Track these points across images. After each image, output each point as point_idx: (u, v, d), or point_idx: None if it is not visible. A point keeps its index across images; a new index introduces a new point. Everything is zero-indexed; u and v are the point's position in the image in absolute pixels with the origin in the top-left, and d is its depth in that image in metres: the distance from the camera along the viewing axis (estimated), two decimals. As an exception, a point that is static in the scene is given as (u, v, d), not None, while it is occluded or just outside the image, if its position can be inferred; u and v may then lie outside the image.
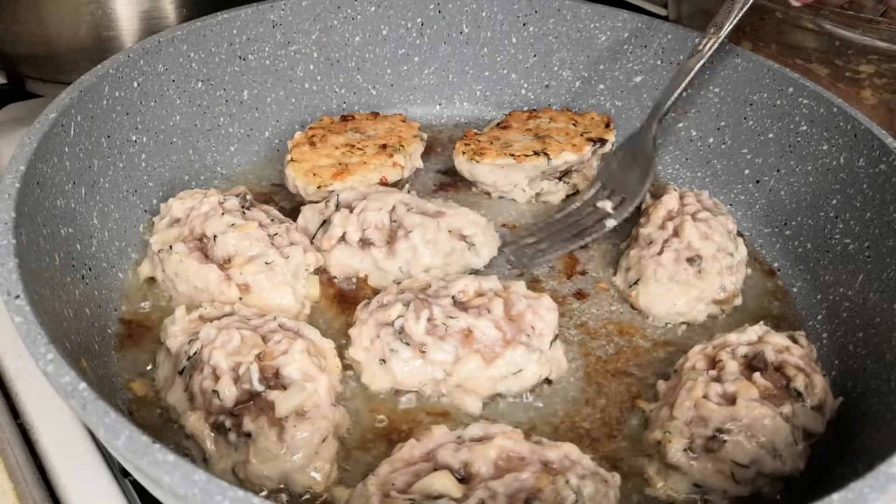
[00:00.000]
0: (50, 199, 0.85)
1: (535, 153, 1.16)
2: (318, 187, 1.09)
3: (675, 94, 1.18)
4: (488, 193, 1.22)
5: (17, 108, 1.38)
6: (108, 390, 0.82)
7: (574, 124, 1.25)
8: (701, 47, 1.17)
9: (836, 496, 0.57)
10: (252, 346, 0.80)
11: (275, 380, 0.78)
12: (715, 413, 0.79)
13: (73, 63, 1.32)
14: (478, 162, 1.17)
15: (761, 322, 0.93)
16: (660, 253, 1.01)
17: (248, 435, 0.74)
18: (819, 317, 1.05)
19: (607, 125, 1.23)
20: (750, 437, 0.77)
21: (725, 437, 0.77)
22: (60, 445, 0.83)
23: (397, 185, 1.14)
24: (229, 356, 0.78)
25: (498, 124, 1.28)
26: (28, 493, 0.79)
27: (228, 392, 0.76)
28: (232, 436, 0.75)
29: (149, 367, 0.88)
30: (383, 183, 1.11)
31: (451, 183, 1.25)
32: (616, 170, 1.19)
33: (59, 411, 0.85)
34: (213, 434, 0.76)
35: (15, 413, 0.87)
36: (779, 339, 0.88)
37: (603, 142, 1.20)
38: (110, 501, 0.78)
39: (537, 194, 1.21)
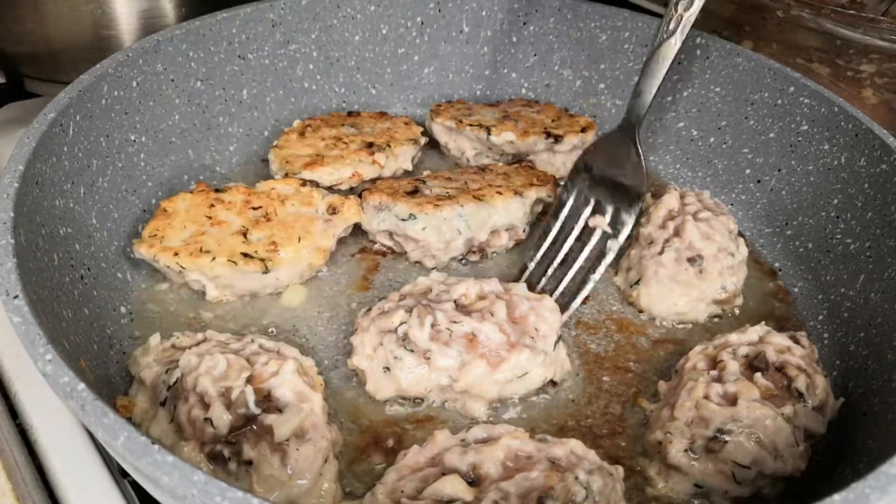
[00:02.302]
0: (48, 198, 0.85)
1: (480, 125, 1.21)
2: (287, 174, 1.12)
3: (659, 84, 1.07)
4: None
5: (16, 107, 1.38)
6: (106, 391, 0.81)
7: (553, 119, 1.26)
8: (670, 29, 1.05)
9: (837, 497, 0.57)
10: (240, 369, 0.77)
11: (267, 403, 0.75)
12: (716, 413, 0.79)
13: (72, 62, 1.32)
14: (433, 119, 1.27)
15: (762, 322, 0.93)
16: (661, 253, 1.01)
17: (249, 463, 0.71)
18: (820, 317, 1.04)
19: (583, 129, 1.23)
20: (751, 438, 0.77)
21: (726, 437, 0.77)
22: (59, 446, 0.82)
23: (374, 181, 1.15)
24: (216, 382, 0.75)
25: (489, 103, 1.34)
26: (27, 494, 0.79)
27: (222, 419, 0.72)
28: (232, 465, 0.72)
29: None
30: (356, 178, 1.14)
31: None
32: (599, 179, 1.08)
33: (57, 412, 0.85)
34: (210, 465, 0.72)
35: (14, 413, 0.87)
36: (780, 340, 0.88)
37: (556, 137, 1.20)
38: (109, 502, 0.78)
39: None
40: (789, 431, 0.78)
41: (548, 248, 1.06)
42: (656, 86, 1.06)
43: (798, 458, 0.78)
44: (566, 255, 1.05)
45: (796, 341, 0.89)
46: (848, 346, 0.97)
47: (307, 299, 1.01)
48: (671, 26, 1.04)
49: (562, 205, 1.08)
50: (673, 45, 1.04)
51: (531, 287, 1.00)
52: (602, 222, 1.06)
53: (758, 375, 0.82)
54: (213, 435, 0.72)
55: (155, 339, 0.85)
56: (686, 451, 0.79)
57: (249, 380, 0.77)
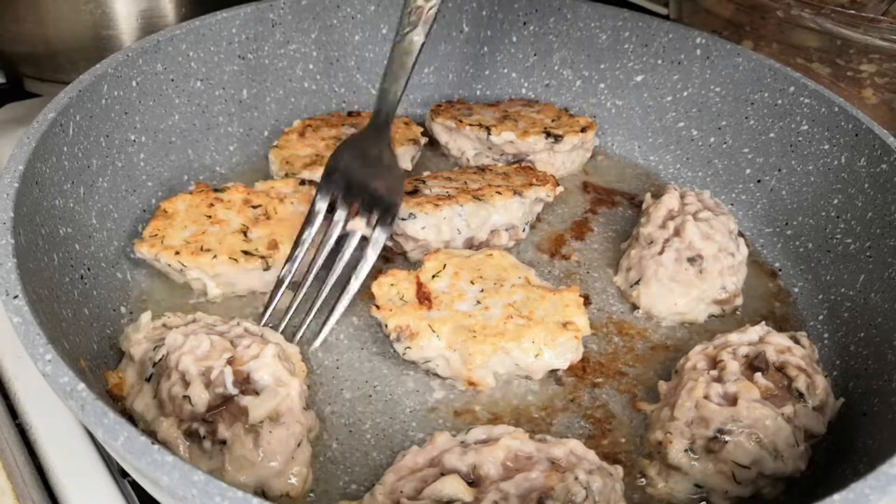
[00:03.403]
0: (48, 198, 0.85)
1: (480, 125, 1.21)
2: (287, 175, 1.12)
3: (406, 80, 0.96)
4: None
5: (16, 107, 1.38)
6: (106, 391, 0.81)
7: (553, 119, 1.26)
8: (411, 21, 0.93)
9: (837, 497, 0.57)
10: (222, 350, 0.79)
11: (245, 385, 0.77)
12: (716, 414, 0.79)
13: (71, 62, 1.32)
14: (433, 119, 1.27)
15: (762, 322, 0.93)
16: (661, 253, 1.01)
17: (224, 442, 0.73)
18: (820, 317, 1.04)
19: (583, 129, 1.23)
20: (751, 438, 0.77)
21: (727, 437, 0.77)
22: (59, 446, 0.82)
23: None
24: (198, 361, 0.77)
25: (489, 103, 1.35)
26: (27, 494, 0.79)
27: (201, 397, 0.74)
28: (206, 443, 0.73)
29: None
30: None
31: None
32: (354, 179, 0.98)
33: (57, 412, 0.85)
34: (186, 441, 0.74)
35: (14, 413, 0.87)
36: (780, 340, 0.88)
37: (556, 137, 1.20)
38: (109, 502, 0.78)
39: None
40: (789, 431, 0.78)
41: (304, 256, 0.95)
42: (403, 83, 0.96)
43: (798, 459, 0.78)
44: (324, 263, 0.95)
45: (796, 341, 0.89)
46: (848, 346, 0.97)
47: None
48: (412, 18, 0.92)
49: (316, 210, 0.97)
50: (416, 40, 0.93)
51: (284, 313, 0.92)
52: (360, 225, 0.96)
53: (758, 375, 0.82)
54: (190, 413, 0.74)
55: (146, 317, 0.88)
56: (686, 451, 0.79)
57: (231, 361, 0.78)
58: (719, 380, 0.83)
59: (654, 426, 0.84)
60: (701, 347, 0.90)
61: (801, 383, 0.82)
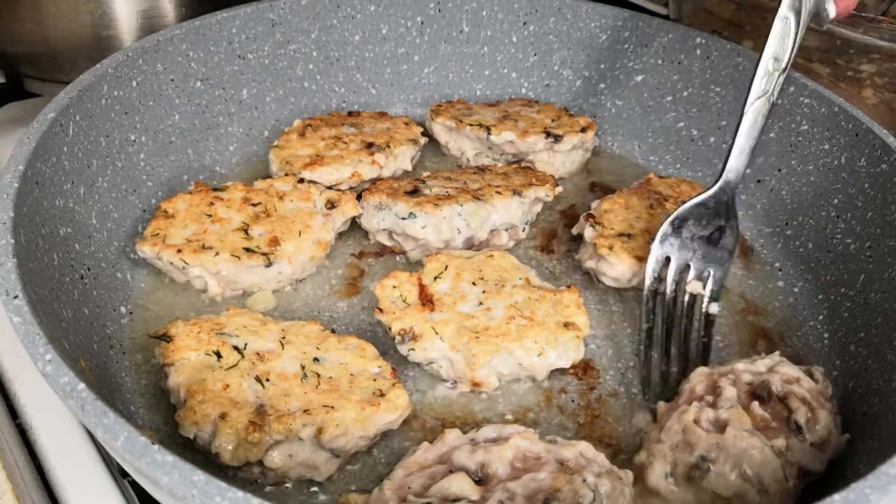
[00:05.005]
0: (48, 198, 0.85)
1: (480, 125, 1.21)
2: (287, 174, 1.12)
3: (756, 139, 1.00)
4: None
5: (16, 107, 1.38)
6: (106, 391, 0.81)
7: (553, 119, 1.26)
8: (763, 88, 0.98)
9: (837, 497, 0.57)
10: None
11: None
12: (701, 439, 0.75)
13: (71, 62, 1.32)
14: (433, 119, 1.27)
15: (776, 353, 0.89)
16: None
17: None
18: (820, 317, 1.04)
19: (583, 129, 1.23)
20: (735, 469, 0.73)
21: (709, 465, 0.74)
22: (59, 446, 0.82)
23: (374, 182, 1.15)
24: None
25: (489, 103, 1.35)
26: (27, 494, 0.79)
27: None
28: None
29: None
30: (355, 178, 1.13)
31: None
32: (686, 240, 1.00)
33: (57, 412, 0.85)
34: None
35: (14, 413, 0.87)
36: (790, 371, 0.83)
37: (556, 137, 1.20)
38: (109, 502, 0.78)
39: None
40: (778, 465, 0.74)
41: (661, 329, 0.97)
42: (751, 145, 1.00)
43: (786, 496, 0.74)
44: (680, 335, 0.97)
45: (810, 374, 0.85)
46: (848, 346, 0.97)
47: (302, 301, 1.01)
48: (764, 85, 0.99)
49: (660, 278, 0.99)
50: (766, 105, 0.99)
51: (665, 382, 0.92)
52: (699, 287, 0.99)
53: (755, 404, 0.79)
54: None
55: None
56: (666, 476, 0.76)
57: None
58: (714, 405, 0.79)
59: (643, 446, 0.81)
60: (704, 372, 0.86)
61: (800, 416, 0.78)
